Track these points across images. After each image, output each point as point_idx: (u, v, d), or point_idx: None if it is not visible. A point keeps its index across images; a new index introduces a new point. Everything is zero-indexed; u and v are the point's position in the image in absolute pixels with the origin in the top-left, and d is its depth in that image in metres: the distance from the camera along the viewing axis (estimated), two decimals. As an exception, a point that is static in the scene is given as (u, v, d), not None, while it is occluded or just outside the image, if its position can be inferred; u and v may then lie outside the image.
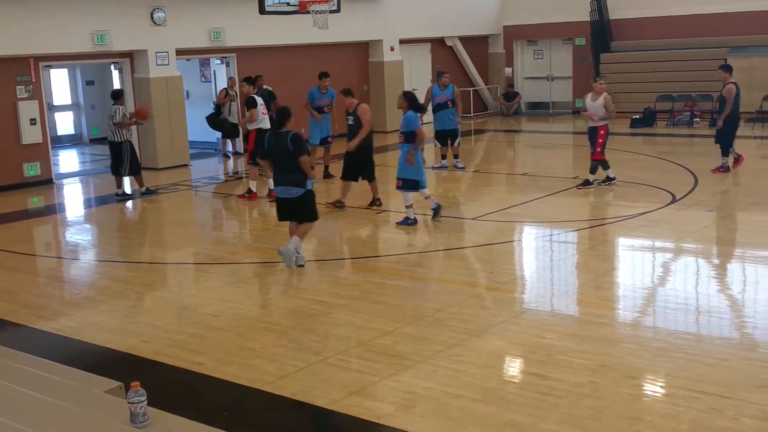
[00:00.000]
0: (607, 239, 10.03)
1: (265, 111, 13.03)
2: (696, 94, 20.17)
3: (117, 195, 13.43)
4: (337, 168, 14.52)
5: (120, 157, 13.13)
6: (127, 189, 13.79)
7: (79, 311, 7.96)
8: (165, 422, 3.77)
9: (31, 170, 14.81)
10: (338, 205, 11.73)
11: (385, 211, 11.71)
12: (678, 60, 20.89)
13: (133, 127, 14.13)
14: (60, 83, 20.89)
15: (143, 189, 13.54)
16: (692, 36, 21.02)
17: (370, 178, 11.89)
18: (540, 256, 9.58)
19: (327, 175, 14.27)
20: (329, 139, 14.38)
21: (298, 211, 8.86)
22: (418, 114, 10.73)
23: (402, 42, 21.31)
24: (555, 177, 13.84)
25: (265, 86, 15.36)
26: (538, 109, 24.69)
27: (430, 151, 16.23)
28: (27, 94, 14.68)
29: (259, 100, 13.07)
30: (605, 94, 12.57)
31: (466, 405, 5.45)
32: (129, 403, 3.68)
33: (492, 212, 11.59)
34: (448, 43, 23.04)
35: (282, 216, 9.04)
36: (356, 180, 11.83)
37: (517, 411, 5.34)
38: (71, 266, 9.99)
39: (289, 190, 8.71)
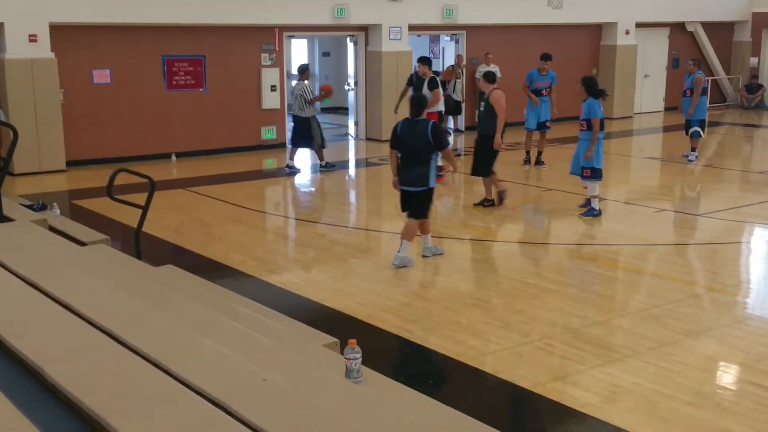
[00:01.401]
0: None
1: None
2: None
3: (288, 167, 13.66)
4: (549, 154, 14.31)
5: (310, 132, 13.42)
6: (296, 164, 13.91)
7: (302, 269, 8.46)
8: (377, 382, 3.95)
9: (268, 134, 15.82)
10: (487, 203, 10.86)
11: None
12: None
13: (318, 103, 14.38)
14: (299, 53, 22.05)
15: (323, 163, 13.72)
16: None
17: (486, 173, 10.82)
18: (772, 261, 8.94)
19: (539, 162, 13.93)
20: (547, 123, 13.95)
21: (415, 204, 8.33)
22: (599, 101, 10.18)
23: (638, 25, 20.42)
24: (797, 178, 12.79)
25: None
26: (784, 103, 22.80)
27: (678, 138, 15.49)
28: (270, 62, 15.68)
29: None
30: None
31: (677, 406, 5.23)
32: (345, 358, 3.89)
33: (721, 210, 10.93)
34: (689, 28, 21.78)
35: (405, 207, 8.47)
36: (487, 175, 10.76)
37: (734, 420, 5.06)
38: (297, 226, 10.61)
39: (411, 182, 8.21)
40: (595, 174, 10.29)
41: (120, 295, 4.83)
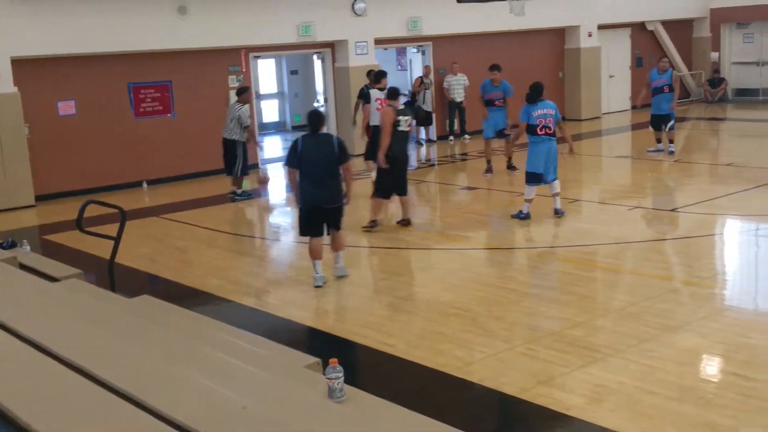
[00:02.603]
0: (824, 236, 9.28)
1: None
2: None
3: (236, 195, 13.09)
4: (519, 158, 14.34)
5: (234, 156, 12.84)
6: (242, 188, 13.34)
7: (280, 290, 8.42)
8: (361, 399, 3.92)
9: (239, 155, 15.75)
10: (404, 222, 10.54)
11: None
12: None
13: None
14: (267, 73, 22.04)
15: (239, 191, 13.16)
16: None
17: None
18: (744, 252, 9.03)
19: (510, 167, 13.82)
20: (506, 131, 13.64)
21: (334, 219, 8.14)
22: (530, 105, 10.30)
23: (600, 27, 20.64)
24: (764, 168, 12.95)
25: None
26: (747, 96, 23.11)
27: (646, 136, 15.70)
28: (238, 83, 15.64)
29: (379, 94, 12.32)
30: None
31: (660, 402, 5.26)
32: (327, 378, 3.86)
33: (692, 204, 11.04)
34: (650, 27, 22.05)
35: (313, 230, 8.15)
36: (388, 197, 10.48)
37: (717, 412, 5.09)
38: (273, 246, 10.57)
39: (329, 199, 8.02)
40: (528, 177, 10.39)
41: (94, 330, 4.76)
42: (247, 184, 13.72)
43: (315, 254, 8.17)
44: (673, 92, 14.69)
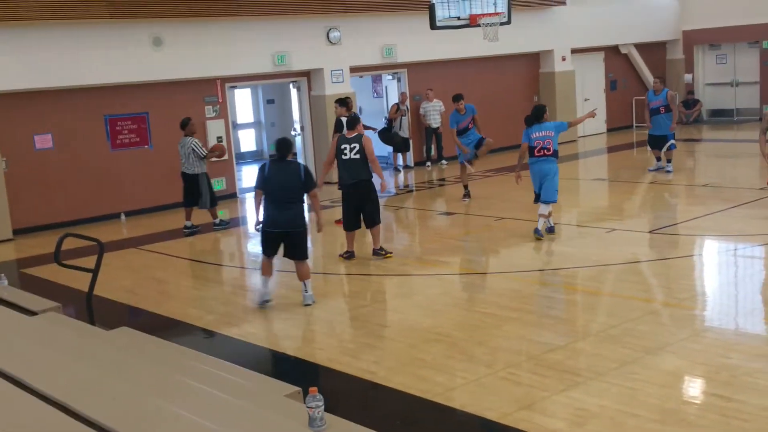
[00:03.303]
0: (799, 254, 9.37)
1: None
2: None
3: (186, 228, 12.84)
4: (496, 183, 14.47)
5: (199, 189, 12.70)
6: (192, 221, 13.01)
7: (260, 319, 8.37)
8: (342, 428, 3.88)
9: (218, 185, 15.72)
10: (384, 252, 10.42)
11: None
12: None
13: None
14: (243, 102, 22.08)
15: (217, 221, 13.07)
16: None
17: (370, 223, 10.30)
18: (723, 272, 9.10)
19: (466, 194, 13.87)
20: (482, 145, 13.58)
21: (296, 246, 8.36)
22: (529, 127, 10.72)
23: (574, 51, 20.90)
24: (740, 188, 13.09)
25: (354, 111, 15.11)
26: (721, 116, 23.43)
27: (622, 158, 15.83)
28: (214, 113, 15.65)
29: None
30: None
31: (642, 425, 5.26)
32: (308, 407, 3.82)
33: (670, 225, 11.13)
34: (623, 50, 22.36)
35: (269, 250, 8.45)
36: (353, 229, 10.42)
37: (697, 433, 5.10)
38: (253, 276, 10.51)
39: (289, 223, 8.25)
40: (537, 197, 10.79)
41: (72, 364, 4.70)
42: (226, 213, 13.67)
43: (265, 271, 8.54)
44: (670, 113, 14.91)
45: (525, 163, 10.95)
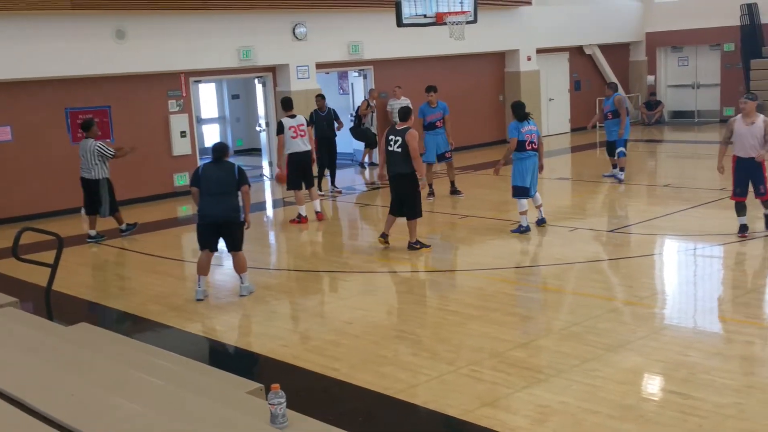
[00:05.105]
0: (758, 254, 9.53)
1: (303, 133, 12.35)
2: None
3: (90, 237, 12.10)
4: (464, 182, 14.53)
5: (98, 196, 11.96)
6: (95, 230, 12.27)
7: (224, 315, 8.31)
8: (303, 425, 3.87)
9: (181, 180, 15.58)
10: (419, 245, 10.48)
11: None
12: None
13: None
14: (207, 97, 21.89)
15: (123, 226, 12.32)
16: None
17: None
18: (683, 271, 9.23)
19: (455, 191, 13.96)
20: (447, 154, 13.75)
21: (231, 237, 8.58)
22: (523, 123, 10.95)
23: (539, 51, 21.04)
24: (700, 188, 13.29)
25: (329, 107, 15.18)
26: (683, 118, 23.77)
27: (586, 158, 15.94)
28: (178, 108, 15.49)
29: (291, 122, 12.30)
30: (763, 117, 9.66)
31: (602, 421, 5.31)
32: (269, 404, 3.81)
33: (631, 224, 11.26)
34: (587, 51, 22.56)
35: (206, 243, 8.60)
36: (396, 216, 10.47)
37: (657, 430, 5.16)
38: (216, 272, 10.42)
39: (223, 214, 8.40)
40: (516, 191, 10.93)
41: (30, 359, 4.63)
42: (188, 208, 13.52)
43: (201, 269, 8.66)
44: (618, 118, 14.31)
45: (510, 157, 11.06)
